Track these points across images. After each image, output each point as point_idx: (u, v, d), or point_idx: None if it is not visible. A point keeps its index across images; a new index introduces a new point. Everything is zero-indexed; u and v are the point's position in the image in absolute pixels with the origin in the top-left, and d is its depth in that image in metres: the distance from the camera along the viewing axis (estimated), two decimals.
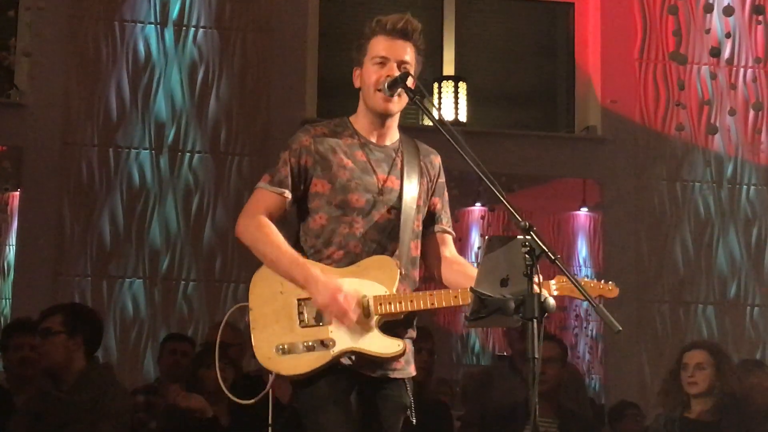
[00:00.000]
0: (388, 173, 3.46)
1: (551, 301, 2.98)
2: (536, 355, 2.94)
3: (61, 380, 4.79)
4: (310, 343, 3.29)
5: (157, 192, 7.30)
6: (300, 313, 3.34)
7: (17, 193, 7.91)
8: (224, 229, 7.16)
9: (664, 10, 7.98)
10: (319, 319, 3.32)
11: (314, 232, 3.42)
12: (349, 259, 3.38)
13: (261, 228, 3.39)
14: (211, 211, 7.32)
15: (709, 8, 7.16)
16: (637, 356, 7.72)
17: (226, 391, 3.47)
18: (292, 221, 3.53)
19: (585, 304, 9.50)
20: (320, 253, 3.39)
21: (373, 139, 3.50)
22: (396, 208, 3.42)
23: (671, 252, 7.92)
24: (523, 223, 3.03)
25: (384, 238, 3.40)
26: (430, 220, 3.56)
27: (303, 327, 3.32)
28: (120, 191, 7.26)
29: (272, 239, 3.38)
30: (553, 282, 3.37)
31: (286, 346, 3.29)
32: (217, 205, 7.31)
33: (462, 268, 3.52)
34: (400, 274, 3.36)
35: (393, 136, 3.53)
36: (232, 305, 6.99)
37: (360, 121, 3.51)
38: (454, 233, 3.62)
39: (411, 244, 3.45)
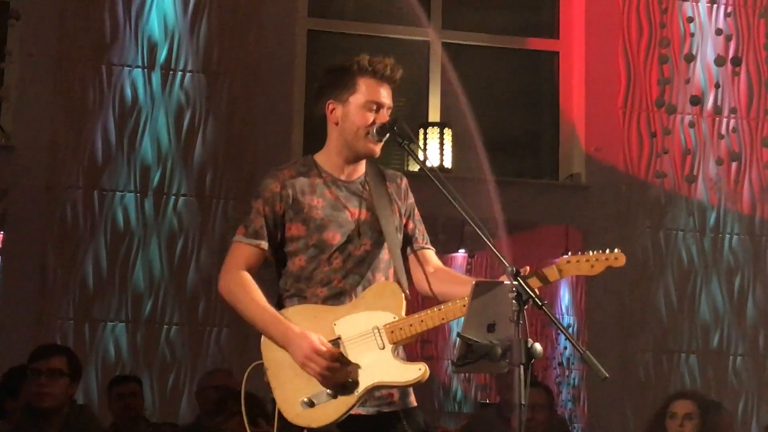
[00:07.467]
0: (359, 206, 3.46)
1: (538, 347, 2.98)
2: (523, 402, 2.94)
3: (49, 424, 4.77)
4: (333, 390, 3.26)
5: (142, 235, 7.27)
6: None
7: (0, 235, 7.88)
8: (208, 273, 7.13)
9: (648, 60, 8.05)
10: None
11: (294, 275, 3.42)
12: (333, 294, 3.38)
13: (240, 285, 3.39)
14: (195, 255, 7.29)
15: (690, 58, 7.25)
16: (620, 405, 7.69)
17: None
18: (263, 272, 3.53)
19: (567, 352, 9.51)
20: (303, 292, 3.40)
21: (342, 177, 3.50)
22: (372, 239, 3.43)
23: (654, 300, 7.92)
24: (510, 268, 3.04)
25: (365, 269, 3.41)
26: (407, 242, 3.57)
27: None
28: (104, 234, 7.22)
29: (251, 296, 3.37)
30: (554, 267, 3.29)
31: (310, 399, 3.26)
32: (201, 249, 7.28)
33: (449, 276, 3.55)
34: (405, 296, 3.37)
35: (360, 170, 3.54)
36: (215, 350, 7.17)
37: (330, 159, 3.51)
38: (432, 248, 3.62)
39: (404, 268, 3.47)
